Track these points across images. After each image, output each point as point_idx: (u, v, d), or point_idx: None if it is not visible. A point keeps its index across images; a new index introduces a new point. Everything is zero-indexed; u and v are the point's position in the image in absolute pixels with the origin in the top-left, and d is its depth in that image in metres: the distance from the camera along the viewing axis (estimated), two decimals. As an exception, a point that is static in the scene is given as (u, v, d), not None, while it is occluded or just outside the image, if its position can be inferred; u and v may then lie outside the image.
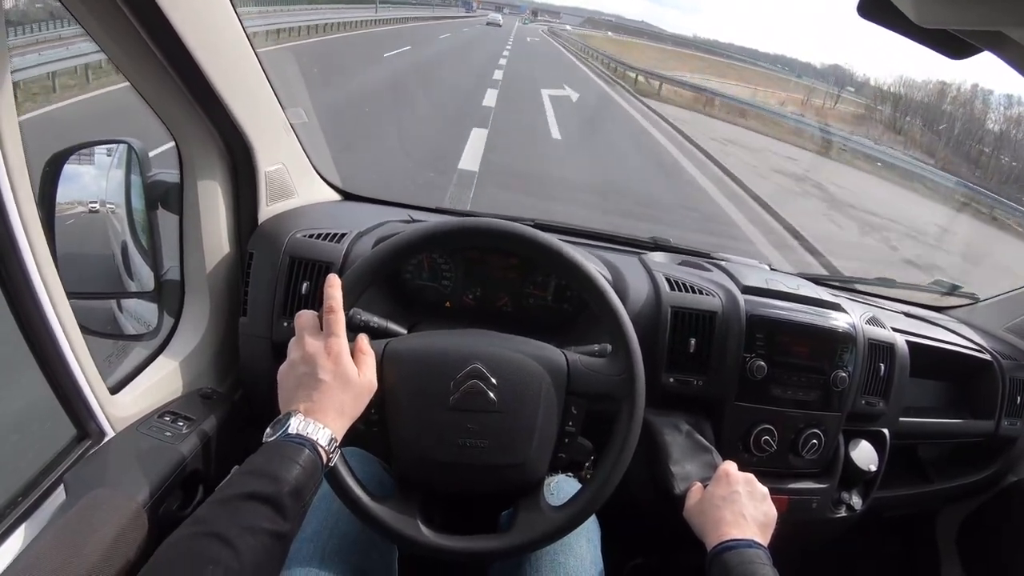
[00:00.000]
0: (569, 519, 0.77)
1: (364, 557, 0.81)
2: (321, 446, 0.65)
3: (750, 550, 0.74)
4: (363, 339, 0.75)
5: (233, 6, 0.84)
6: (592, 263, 0.97)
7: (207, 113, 0.88)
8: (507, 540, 0.76)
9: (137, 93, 0.83)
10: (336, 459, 0.69)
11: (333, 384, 0.68)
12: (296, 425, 0.65)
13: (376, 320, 0.87)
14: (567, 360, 0.79)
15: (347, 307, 0.76)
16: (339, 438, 0.68)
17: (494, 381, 0.75)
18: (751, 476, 0.85)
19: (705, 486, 0.87)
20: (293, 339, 0.73)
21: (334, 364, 0.69)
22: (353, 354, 0.73)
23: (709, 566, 0.75)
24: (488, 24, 43.54)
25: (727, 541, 0.75)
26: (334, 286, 0.73)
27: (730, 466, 0.87)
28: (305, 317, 0.72)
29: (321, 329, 0.72)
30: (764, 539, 0.78)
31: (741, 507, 0.80)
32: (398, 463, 0.78)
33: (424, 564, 0.85)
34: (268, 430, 0.66)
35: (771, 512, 0.82)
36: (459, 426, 0.75)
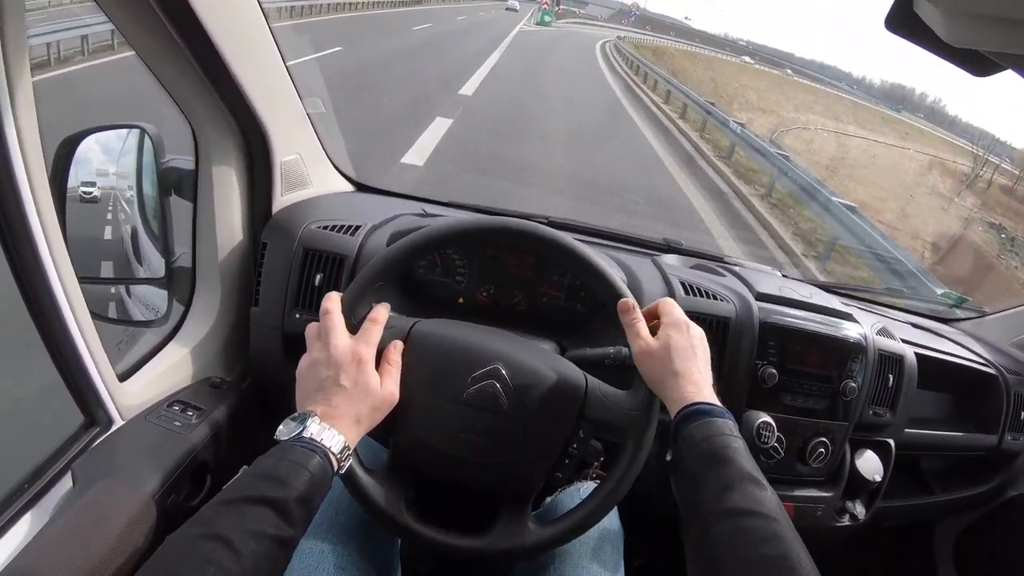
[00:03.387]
0: (550, 538, 0.76)
1: (364, 552, 0.79)
2: (333, 453, 0.64)
3: (720, 420, 0.66)
4: (393, 350, 0.74)
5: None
6: (614, 268, 0.96)
7: (225, 101, 0.87)
8: (480, 543, 0.75)
9: (153, 76, 0.82)
10: (347, 467, 0.68)
11: (354, 392, 0.67)
12: (312, 429, 0.64)
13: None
14: (586, 384, 0.78)
15: (363, 301, 0.75)
16: (352, 447, 0.67)
17: (511, 386, 0.74)
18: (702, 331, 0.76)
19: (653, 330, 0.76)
20: (315, 333, 0.71)
21: (358, 372, 0.68)
22: (379, 363, 0.72)
23: (674, 434, 0.68)
24: (507, 9, 40.41)
25: (698, 404, 0.67)
26: (385, 306, 0.75)
27: (678, 310, 0.76)
28: (335, 316, 0.71)
29: (351, 332, 0.71)
30: None
31: (701, 364, 0.72)
32: (396, 441, 0.77)
33: (438, 565, 0.84)
34: (281, 427, 0.65)
35: None
36: (466, 420, 0.74)
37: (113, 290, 1.08)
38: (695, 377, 0.70)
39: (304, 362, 0.71)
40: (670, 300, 0.78)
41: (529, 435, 0.75)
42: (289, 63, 0.98)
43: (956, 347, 1.35)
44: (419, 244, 0.77)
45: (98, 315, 0.91)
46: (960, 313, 1.54)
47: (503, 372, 0.75)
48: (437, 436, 0.75)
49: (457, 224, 0.77)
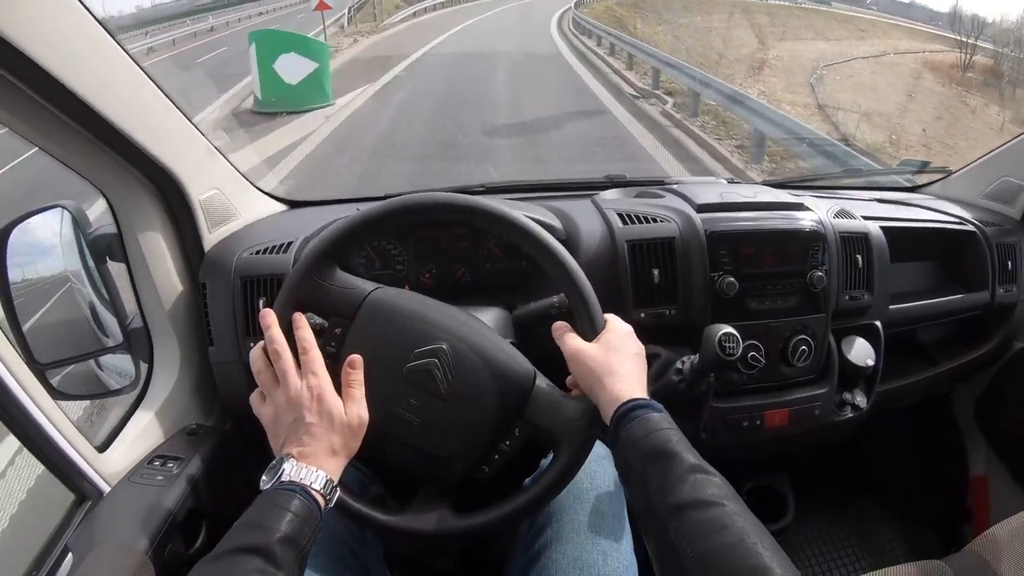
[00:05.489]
0: (460, 531, 0.74)
1: (345, 564, 0.80)
2: (315, 489, 0.65)
3: (657, 414, 0.66)
4: (350, 369, 0.73)
5: (116, 41, 0.81)
6: (531, 214, 0.94)
7: (122, 156, 0.86)
8: (389, 519, 0.74)
9: (44, 152, 0.81)
10: (335, 500, 0.68)
11: (320, 425, 0.68)
12: (289, 471, 0.65)
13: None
14: (534, 383, 0.76)
15: (290, 314, 0.74)
16: (336, 479, 0.68)
17: (452, 370, 0.73)
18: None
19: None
20: (271, 381, 0.72)
21: (319, 406, 0.69)
22: (341, 389, 0.72)
23: (613, 433, 0.67)
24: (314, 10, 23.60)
25: (634, 400, 0.67)
26: (303, 327, 0.73)
27: (624, 324, 0.77)
28: (284, 356, 0.71)
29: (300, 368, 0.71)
30: None
31: (637, 368, 0.72)
32: None
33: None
34: (264, 477, 0.66)
35: None
36: (401, 395, 0.73)
37: (71, 367, 1.08)
38: (629, 376, 0.70)
39: (268, 414, 0.71)
40: (616, 317, 0.78)
41: (460, 424, 0.73)
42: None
43: (926, 212, 1.32)
44: (320, 252, 0.75)
45: (67, 395, 0.92)
46: (924, 179, 1.50)
47: (447, 354, 0.73)
48: (371, 405, 0.73)
49: (358, 217, 0.75)
